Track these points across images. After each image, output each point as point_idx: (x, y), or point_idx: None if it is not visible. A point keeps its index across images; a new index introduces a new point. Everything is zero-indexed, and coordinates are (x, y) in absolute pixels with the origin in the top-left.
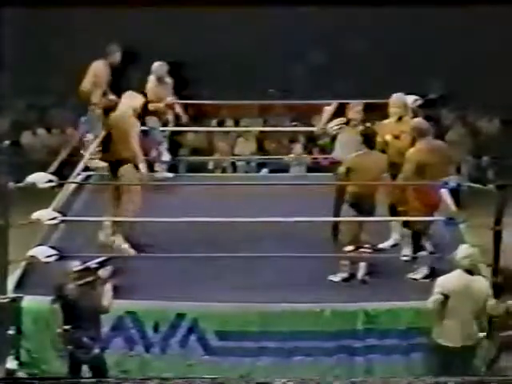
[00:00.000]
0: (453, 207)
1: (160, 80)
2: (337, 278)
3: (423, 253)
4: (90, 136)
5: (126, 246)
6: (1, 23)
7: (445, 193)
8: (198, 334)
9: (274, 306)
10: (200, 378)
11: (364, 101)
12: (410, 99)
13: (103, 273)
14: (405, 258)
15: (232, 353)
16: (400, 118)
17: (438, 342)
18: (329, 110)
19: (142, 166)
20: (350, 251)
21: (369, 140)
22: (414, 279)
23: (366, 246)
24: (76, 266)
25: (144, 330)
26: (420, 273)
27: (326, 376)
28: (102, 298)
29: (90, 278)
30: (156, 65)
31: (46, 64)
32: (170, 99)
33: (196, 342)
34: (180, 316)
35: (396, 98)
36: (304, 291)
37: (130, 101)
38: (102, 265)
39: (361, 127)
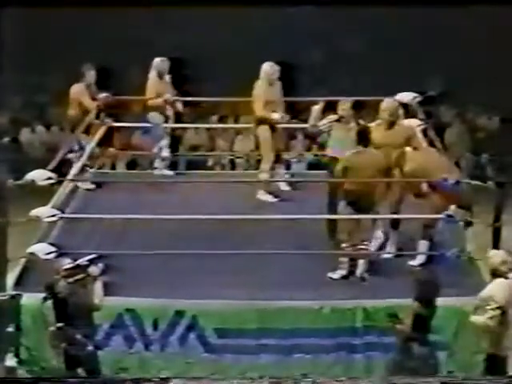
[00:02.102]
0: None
1: (161, 76)
2: (336, 275)
3: (424, 241)
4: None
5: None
6: (1, 23)
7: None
8: (197, 331)
9: (273, 304)
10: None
11: (352, 98)
12: (410, 96)
13: (94, 270)
14: (387, 256)
15: (231, 350)
16: (392, 124)
17: (494, 353)
18: (316, 108)
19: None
20: (347, 247)
21: (364, 138)
22: (413, 266)
23: (365, 243)
24: (66, 263)
25: (143, 327)
26: (418, 260)
27: (325, 373)
28: (92, 295)
29: (80, 276)
30: (157, 60)
31: (46, 62)
32: (170, 96)
33: (195, 339)
34: (179, 313)
35: (387, 103)
36: (303, 288)
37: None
38: (92, 262)
39: (352, 124)
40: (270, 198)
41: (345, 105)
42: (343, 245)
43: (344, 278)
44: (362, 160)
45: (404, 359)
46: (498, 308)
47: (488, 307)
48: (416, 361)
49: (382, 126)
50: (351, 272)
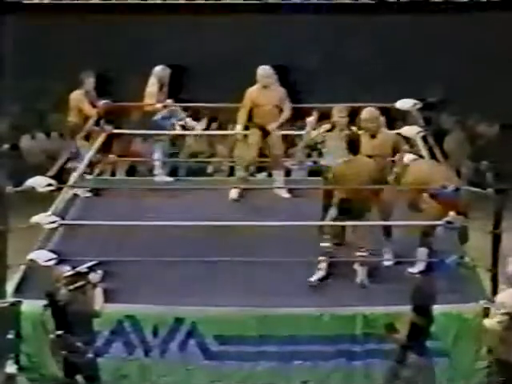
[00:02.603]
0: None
1: (161, 84)
2: (314, 277)
3: (422, 249)
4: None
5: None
6: (2, 30)
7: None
8: (196, 338)
9: (272, 311)
10: None
11: (348, 104)
12: (409, 103)
13: (93, 277)
14: (387, 264)
15: (231, 357)
16: (374, 136)
17: (503, 359)
18: (311, 121)
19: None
20: (326, 247)
21: (354, 146)
22: (411, 273)
23: (362, 249)
24: (66, 270)
25: (143, 334)
26: (416, 267)
27: (325, 381)
28: (92, 302)
29: (80, 283)
30: (158, 68)
31: (46, 69)
32: (171, 102)
33: (195, 346)
34: (179, 320)
35: (366, 113)
36: (303, 295)
37: None
38: (91, 269)
39: (346, 131)
40: (234, 194)
41: (341, 112)
42: (322, 244)
43: (322, 280)
44: (352, 168)
45: (400, 369)
46: (506, 314)
47: (498, 312)
48: (411, 371)
49: (367, 136)
50: (329, 275)
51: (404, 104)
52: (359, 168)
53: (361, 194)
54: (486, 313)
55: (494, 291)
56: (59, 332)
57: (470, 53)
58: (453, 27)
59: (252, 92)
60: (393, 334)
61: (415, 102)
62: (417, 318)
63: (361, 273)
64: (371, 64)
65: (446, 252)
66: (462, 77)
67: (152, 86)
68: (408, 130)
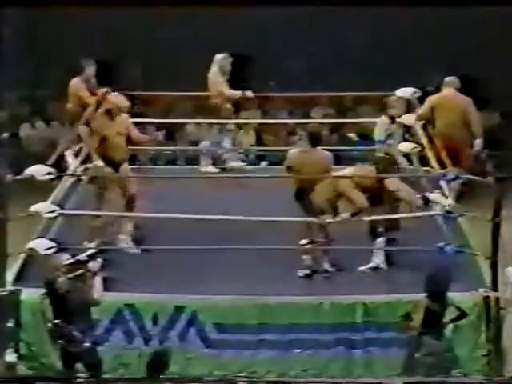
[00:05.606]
0: (451, 200)
1: (223, 72)
2: (300, 273)
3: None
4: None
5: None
6: (1, 23)
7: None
8: (197, 326)
9: (272, 299)
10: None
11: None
12: (409, 91)
13: (93, 265)
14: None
15: (231, 346)
16: None
17: None
18: (383, 120)
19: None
20: (305, 244)
21: (314, 137)
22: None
23: (317, 239)
24: (66, 259)
25: (143, 322)
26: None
27: (325, 369)
28: (92, 290)
29: (80, 271)
30: (219, 56)
31: (46, 58)
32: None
33: (195, 334)
34: (179, 309)
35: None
36: (303, 284)
37: None
38: (91, 257)
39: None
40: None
41: (396, 103)
42: (301, 242)
43: (308, 276)
44: (304, 159)
45: (420, 356)
46: None
47: None
48: (429, 356)
49: None
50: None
51: (404, 92)
52: (310, 159)
53: (310, 184)
54: (485, 301)
55: (494, 280)
56: (56, 321)
57: (470, 42)
58: (452, 17)
59: (99, 122)
60: (408, 322)
61: (415, 90)
62: (432, 305)
63: (323, 260)
64: (371, 53)
65: (445, 241)
66: (461, 66)
67: (214, 74)
68: (408, 118)
